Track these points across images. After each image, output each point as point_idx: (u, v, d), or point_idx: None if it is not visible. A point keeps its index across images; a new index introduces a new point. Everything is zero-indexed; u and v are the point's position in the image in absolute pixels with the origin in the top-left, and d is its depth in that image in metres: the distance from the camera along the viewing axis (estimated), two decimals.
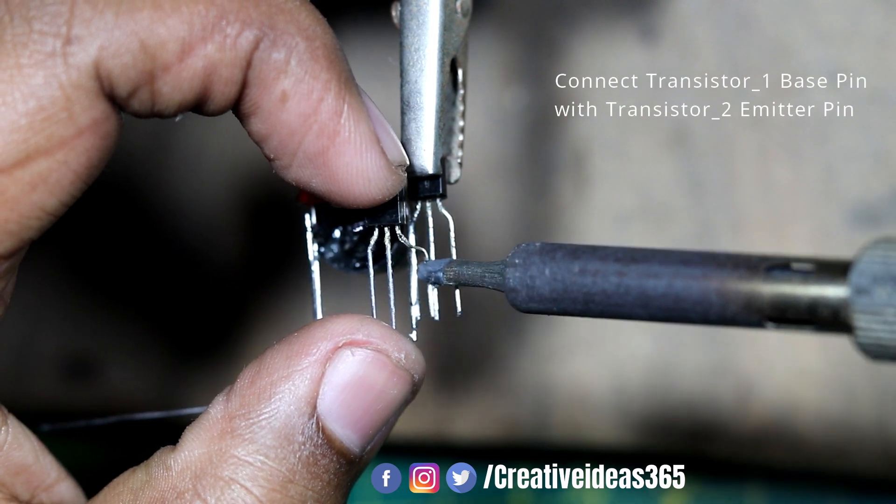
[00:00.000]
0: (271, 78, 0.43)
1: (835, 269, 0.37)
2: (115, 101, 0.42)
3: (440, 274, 0.47)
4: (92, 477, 0.46)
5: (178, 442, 0.43)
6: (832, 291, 0.37)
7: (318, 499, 0.43)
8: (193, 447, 0.42)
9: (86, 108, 0.41)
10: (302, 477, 0.42)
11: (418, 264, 0.49)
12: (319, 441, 0.43)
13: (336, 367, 0.43)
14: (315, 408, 0.43)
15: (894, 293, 0.35)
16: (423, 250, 0.49)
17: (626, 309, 0.41)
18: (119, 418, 0.58)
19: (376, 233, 0.48)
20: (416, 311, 0.49)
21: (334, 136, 0.44)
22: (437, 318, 0.49)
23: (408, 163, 0.47)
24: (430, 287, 0.49)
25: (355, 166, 0.44)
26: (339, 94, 0.43)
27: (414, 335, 0.49)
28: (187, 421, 0.44)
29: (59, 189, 0.41)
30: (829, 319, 0.37)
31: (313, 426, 0.43)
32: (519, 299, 0.44)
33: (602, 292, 0.41)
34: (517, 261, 0.44)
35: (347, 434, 0.43)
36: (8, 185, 0.40)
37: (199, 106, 0.43)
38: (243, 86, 0.43)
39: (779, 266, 0.38)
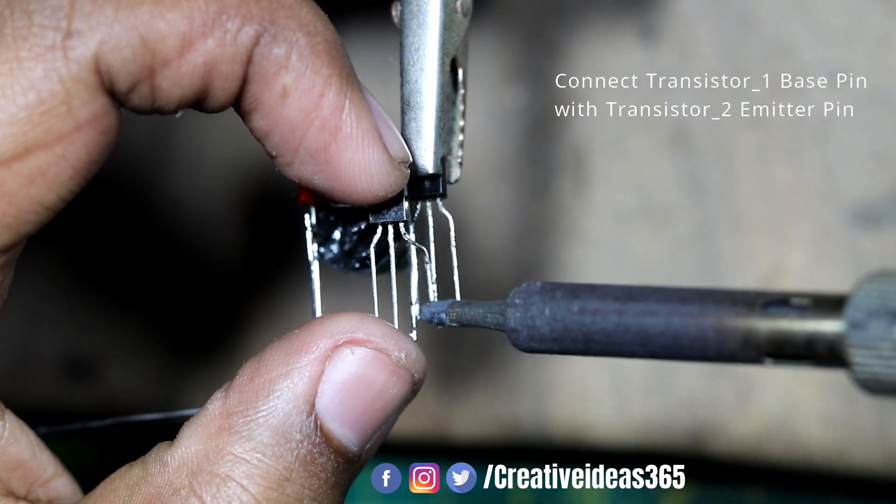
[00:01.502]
0: (272, 73, 0.42)
1: (831, 304, 0.37)
2: (115, 96, 0.41)
3: (443, 315, 0.47)
4: (90, 476, 0.46)
5: (175, 438, 0.43)
6: (828, 326, 0.37)
7: (315, 497, 0.43)
8: (190, 443, 0.42)
9: (85, 102, 0.41)
10: (299, 475, 0.42)
11: (420, 260, 0.49)
12: (317, 439, 0.42)
13: (335, 366, 0.43)
14: (313, 406, 0.42)
15: (889, 327, 0.35)
16: (425, 249, 0.49)
17: (625, 347, 0.41)
18: (116, 420, 0.58)
19: (379, 230, 0.48)
20: (415, 311, 0.49)
21: (336, 131, 0.43)
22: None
23: (411, 159, 0.46)
24: (432, 288, 0.49)
25: (357, 162, 0.44)
26: (340, 90, 0.43)
27: (414, 335, 0.48)
28: (185, 420, 0.44)
29: (57, 184, 0.41)
30: (825, 355, 0.37)
31: (311, 424, 0.42)
32: (520, 339, 0.44)
33: (601, 331, 0.41)
34: (517, 301, 0.44)
35: (346, 433, 0.43)
36: (6, 178, 0.40)
37: (199, 102, 0.43)
38: (244, 81, 0.43)
39: (776, 302, 0.38)
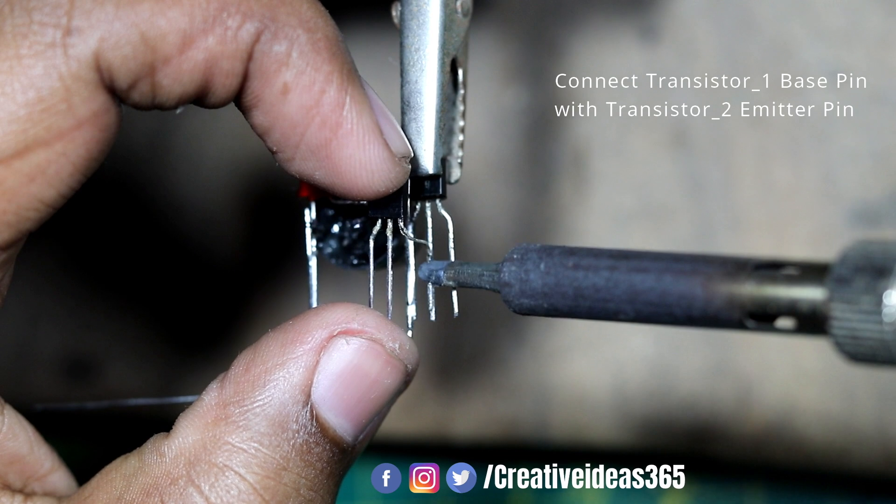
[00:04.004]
0: (273, 70, 0.42)
1: (819, 271, 0.37)
2: (116, 92, 0.41)
3: (441, 273, 0.47)
4: (88, 473, 0.46)
5: (171, 428, 0.43)
6: (813, 291, 0.37)
7: (311, 486, 0.43)
8: (187, 434, 0.42)
9: (85, 99, 0.40)
10: (295, 465, 0.42)
11: (419, 264, 0.49)
12: (313, 429, 0.43)
13: (331, 356, 0.43)
14: (309, 396, 0.43)
15: (873, 281, 0.35)
16: (426, 243, 0.49)
17: (613, 304, 0.41)
18: (112, 403, 0.58)
19: (379, 224, 0.48)
20: (412, 311, 0.49)
21: (336, 128, 0.43)
22: (433, 318, 0.49)
23: (412, 154, 0.46)
24: (428, 287, 0.49)
25: (358, 158, 0.44)
26: (341, 86, 0.43)
27: (409, 334, 0.48)
28: (182, 409, 0.44)
29: (57, 181, 0.41)
30: (807, 315, 0.37)
31: (307, 414, 0.43)
32: (512, 294, 0.44)
33: (592, 286, 0.41)
34: (515, 256, 0.44)
35: (341, 422, 0.43)
36: (6, 176, 0.40)
37: (200, 98, 0.43)
38: (245, 78, 0.43)
39: (766, 266, 0.38)
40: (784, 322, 0.38)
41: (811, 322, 0.37)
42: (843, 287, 0.36)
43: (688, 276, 0.39)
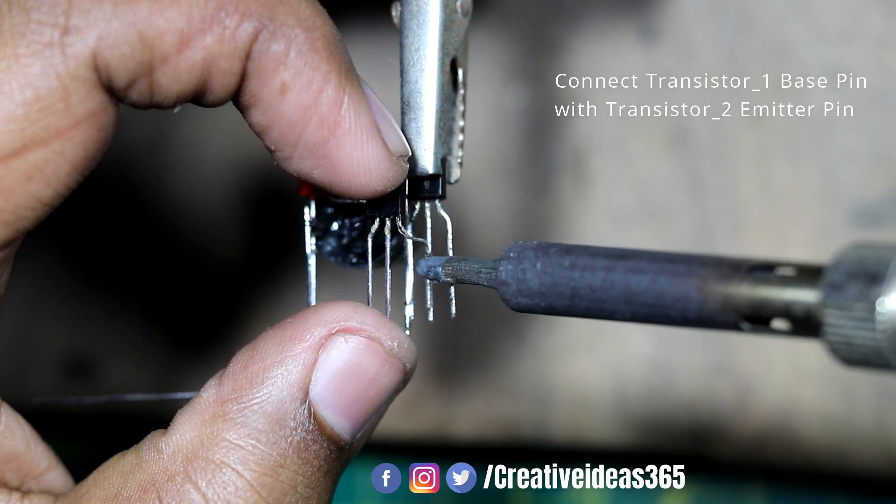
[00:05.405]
0: (271, 69, 0.43)
1: (813, 273, 0.37)
2: (113, 92, 0.41)
3: (439, 269, 0.47)
4: (86, 472, 0.46)
5: (169, 425, 0.43)
6: (807, 294, 0.37)
7: (308, 484, 0.43)
8: (185, 430, 0.42)
9: (83, 98, 0.41)
10: (293, 462, 0.42)
11: (418, 260, 0.49)
12: (311, 427, 0.43)
13: (329, 354, 0.43)
14: (307, 393, 0.43)
15: (866, 288, 0.35)
16: (424, 242, 0.49)
17: (609, 305, 0.41)
18: (110, 398, 0.58)
19: (377, 223, 0.48)
20: (410, 311, 0.49)
21: (335, 127, 0.43)
22: (431, 319, 0.49)
23: (410, 153, 0.47)
24: (427, 287, 0.49)
25: (356, 157, 0.44)
26: (339, 85, 0.43)
27: (407, 334, 0.48)
28: (179, 406, 0.44)
29: (54, 179, 0.41)
30: (801, 318, 0.37)
31: (305, 412, 0.43)
32: (509, 293, 0.44)
33: (588, 286, 0.41)
34: (511, 255, 0.44)
35: (338, 420, 0.43)
36: (3, 174, 0.40)
37: (198, 97, 0.43)
38: (243, 77, 0.43)
39: (761, 267, 0.38)
40: (779, 324, 0.38)
41: (805, 325, 0.37)
42: (836, 293, 0.36)
43: (683, 277, 0.39)
